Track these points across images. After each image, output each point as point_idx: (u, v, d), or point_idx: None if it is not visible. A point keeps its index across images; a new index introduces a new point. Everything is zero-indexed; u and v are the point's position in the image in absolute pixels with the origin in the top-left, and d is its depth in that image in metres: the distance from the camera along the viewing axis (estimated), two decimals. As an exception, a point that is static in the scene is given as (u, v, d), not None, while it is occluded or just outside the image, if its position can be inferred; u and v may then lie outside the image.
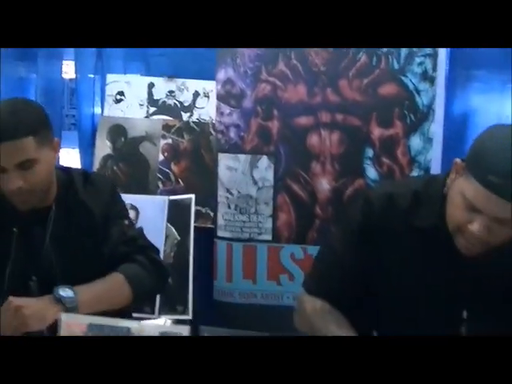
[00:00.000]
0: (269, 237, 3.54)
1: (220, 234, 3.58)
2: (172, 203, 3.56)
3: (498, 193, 1.83)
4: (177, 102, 3.73)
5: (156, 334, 1.52)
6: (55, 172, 2.34)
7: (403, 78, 3.32)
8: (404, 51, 3.30)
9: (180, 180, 3.69)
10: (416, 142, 3.38)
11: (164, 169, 3.70)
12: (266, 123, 3.46)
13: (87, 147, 3.82)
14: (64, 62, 3.85)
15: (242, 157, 3.49)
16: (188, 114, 3.72)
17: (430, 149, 3.38)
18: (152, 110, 3.75)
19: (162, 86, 3.73)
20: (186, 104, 3.72)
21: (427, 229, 2.05)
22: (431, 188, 2.10)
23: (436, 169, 3.32)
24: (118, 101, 3.76)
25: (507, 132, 1.92)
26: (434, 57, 3.29)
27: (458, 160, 2.00)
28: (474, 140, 1.96)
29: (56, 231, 2.32)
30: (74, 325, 1.55)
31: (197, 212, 3.58)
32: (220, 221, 3.57)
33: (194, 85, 3.70)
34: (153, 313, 3.31)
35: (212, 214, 3.61)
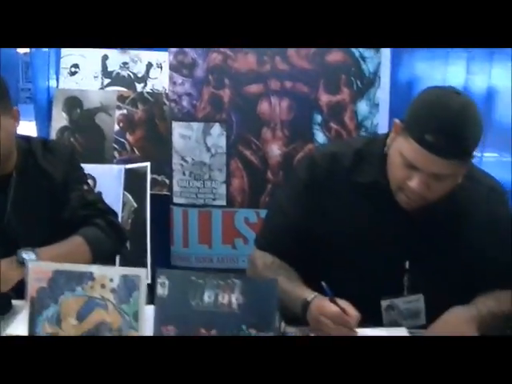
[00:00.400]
0: (223, 202, 3.60)
1: (176, 200, 3.63)
2: (128, 172, 3.62)
3: (433, 151, 1.95)
4: (131, 74, 3.77)
5: (116, 277, 1.61)
6: (15, 141, 2.38)
7: (349, 45, 3.40)
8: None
9: (135, 149, 3.75)
10: (363, 107, 3.48)
11: (119, 139, 3.75)
12: (218, 92, 3.51)
13: (43, 120, 3.85)
14: (18, 36, 3.85)
15: (195, 125, 3.54)
16: (142, 85, 3.77)
17: (376, 114, 3.48)
18: (106, 81, 3.79)
19: (116, 58, 3.77)
20: (139, 75, 3.77)
21: (369, 185, 2.16)
22: (373, 147, 2.21)
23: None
24: (72, 73, 3.79)
25: (442, 93, 2.05)
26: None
27: (397, 121, 2.11)
28: (411, 102, 2.08)
29: (17, 197, 2.38)
30: (40, 272, 1.64)
31: (153, 180, 3.65)
32: (175, 187, 3.61)
33: (147, 56, 3.75)
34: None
35: (167, 181, 3.67)
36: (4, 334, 1.88)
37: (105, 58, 3.77)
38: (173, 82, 3.56)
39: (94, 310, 1.66)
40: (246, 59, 3.47)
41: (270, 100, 3.50)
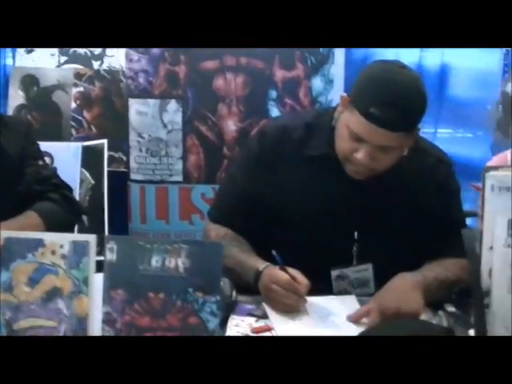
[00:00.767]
0: (179, 178, 3.63)
1: (133, 176, 3.66)
2: (85, 149, 3.63)
3: (378, 123, 2.01)
4: (87, 51, 3.77)
5: (66, 243, 1.64)
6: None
7: (304, 22, 3.43)
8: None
9: (93, 126, 3.76)
10: (317, 83, 3.53)
11: (77, 116, 3.77)
12: (174, 68, 3.53)
13: (0, 98, 3.83)
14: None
15: (151, 101, 3.57)
16: (99, 63, 3.77)
17: (330, 90, 3.54)
18: (63, 59, 3.79)
19: (73, 36, 3.77)
20: (96, 52, 3.77)
21: (319, 157, 2.21)
22: (322, 120, 2.26)
23: (337, 109, 3.45)
24: (29, 51, 3.78)
25: (386, 67, 2.10)
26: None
27: (344, 94, 2.17)
28: (358, 76, 2.13)
29: (-28, 173, 2.38)
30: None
31: (110, 157, 3.67)
32: (132, 164, 3.64)
33: (104, 33, 3.76)
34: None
35: (125, 158, 3.70)
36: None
37: (61, 35, 3.76)
38: (129, 59, 3.59)
39: (44, 275, 1.68)
40: (201, 35, 3.47)
41: (226, 76, 3.53)
